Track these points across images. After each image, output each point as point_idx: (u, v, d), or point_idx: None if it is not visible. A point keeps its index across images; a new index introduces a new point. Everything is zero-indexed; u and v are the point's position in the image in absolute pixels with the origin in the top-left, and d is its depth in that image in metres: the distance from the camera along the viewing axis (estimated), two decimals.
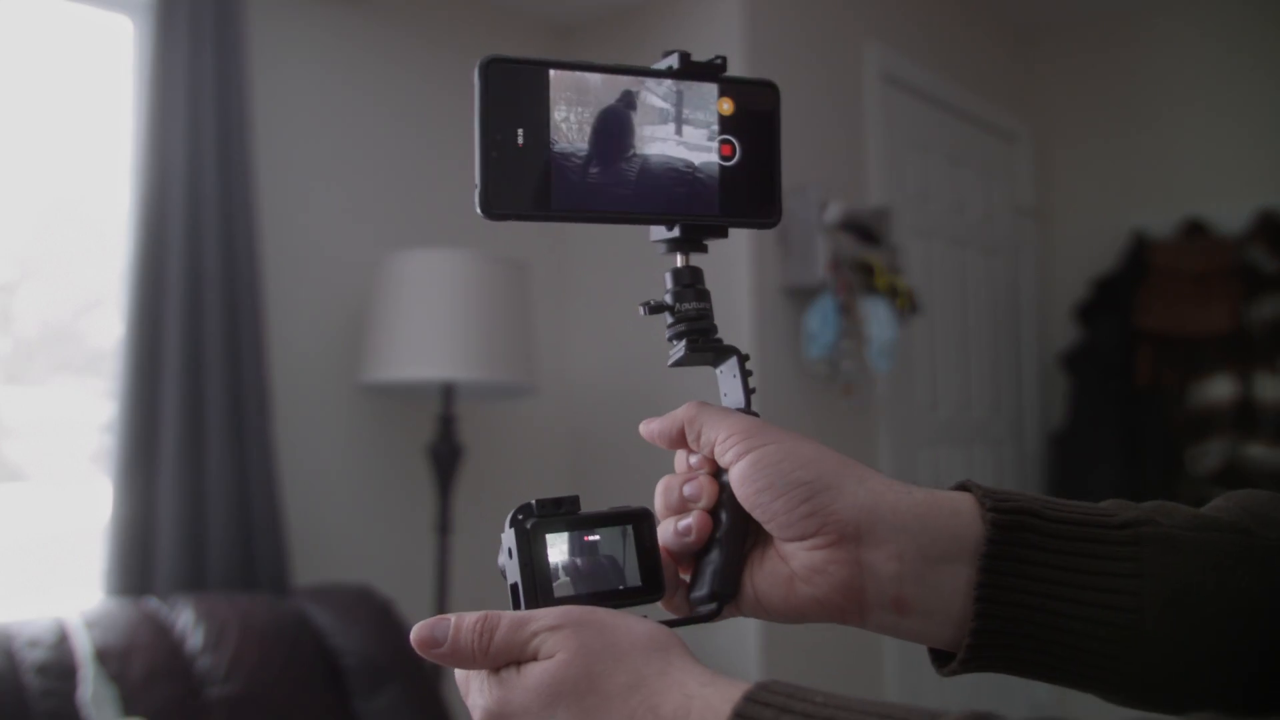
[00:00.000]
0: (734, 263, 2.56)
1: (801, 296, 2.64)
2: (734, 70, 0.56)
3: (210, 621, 1.88)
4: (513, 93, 0.50)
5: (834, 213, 2.56)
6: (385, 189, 2.60)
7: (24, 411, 2.32)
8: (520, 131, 0.50)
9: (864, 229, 2.72)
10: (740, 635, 2.50)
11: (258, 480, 2.17)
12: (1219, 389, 3.12)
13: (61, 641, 1.75)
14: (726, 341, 0.56)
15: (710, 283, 0.57)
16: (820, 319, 2.56)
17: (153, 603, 1.95)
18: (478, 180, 0.49)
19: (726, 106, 0.55)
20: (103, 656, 1.74)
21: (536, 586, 0.49)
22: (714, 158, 0.54)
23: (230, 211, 2.17)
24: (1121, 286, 3.33)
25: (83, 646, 1.74)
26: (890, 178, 3.02)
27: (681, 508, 0.53)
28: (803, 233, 2.58)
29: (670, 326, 0.55)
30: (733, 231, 0.57)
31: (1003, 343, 3.56)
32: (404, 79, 2.69)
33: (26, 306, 2.40)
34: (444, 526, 2.37)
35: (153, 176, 2.09)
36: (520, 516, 0.51)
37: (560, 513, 0.51)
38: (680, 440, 0.55)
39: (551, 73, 0.51)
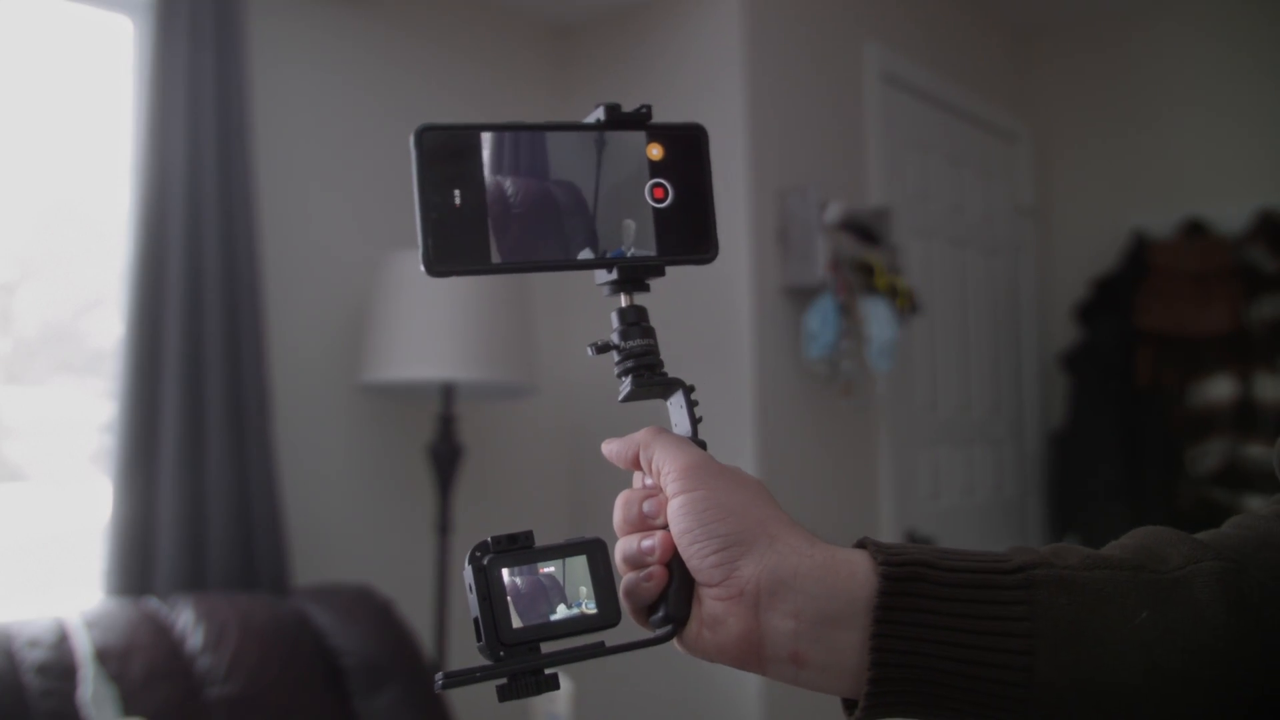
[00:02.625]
0: (734, 263, 2.56)
1: (801, 296, 2.64)
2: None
3: (210, 621, 1.89)
4: (447, 156, 0.53)
5: (834, 213, 2.56)
6: (386, 189, 2.60)
7: (24, 411, 2.32)
8: (456, 192, 0.53)
9: (864, 229, 2.72)
10: None
11: (258, 480, 2.17)
12: (1219, 389, 3.12)
13: (61, 641, 1.75)
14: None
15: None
16: (820, 319, 2.56)
17: (153, 603, 1.95)
18: (419, 241, 0.52)
19: (656, 152, 0.58)
20: (103, 656, 1.74)
21: (495, 619, 0.51)
22: (648, 201, 0.57)
23: (230, 211, 2.17)
24: (1121, 286, 3.33)
25: (83, 646, 1.74)
26: (890, 178, 3.01)
27: (642, 524, 0.56)
28: (803, 233, 2.58)
29: (618, 364, 0.59)
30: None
31: (1003, 343, 3.56)
32: (404, 79, 2.69)
33: (26, 306, 2.40)
34: (444, 526, 2.37)
35: (153, 176, 2.09)
36: (478, 554, 0.53)
37: (515, 548, 0.53)
38: (636, 462, 0.58)
39: (484, 135, 0.54)
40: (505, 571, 0.52)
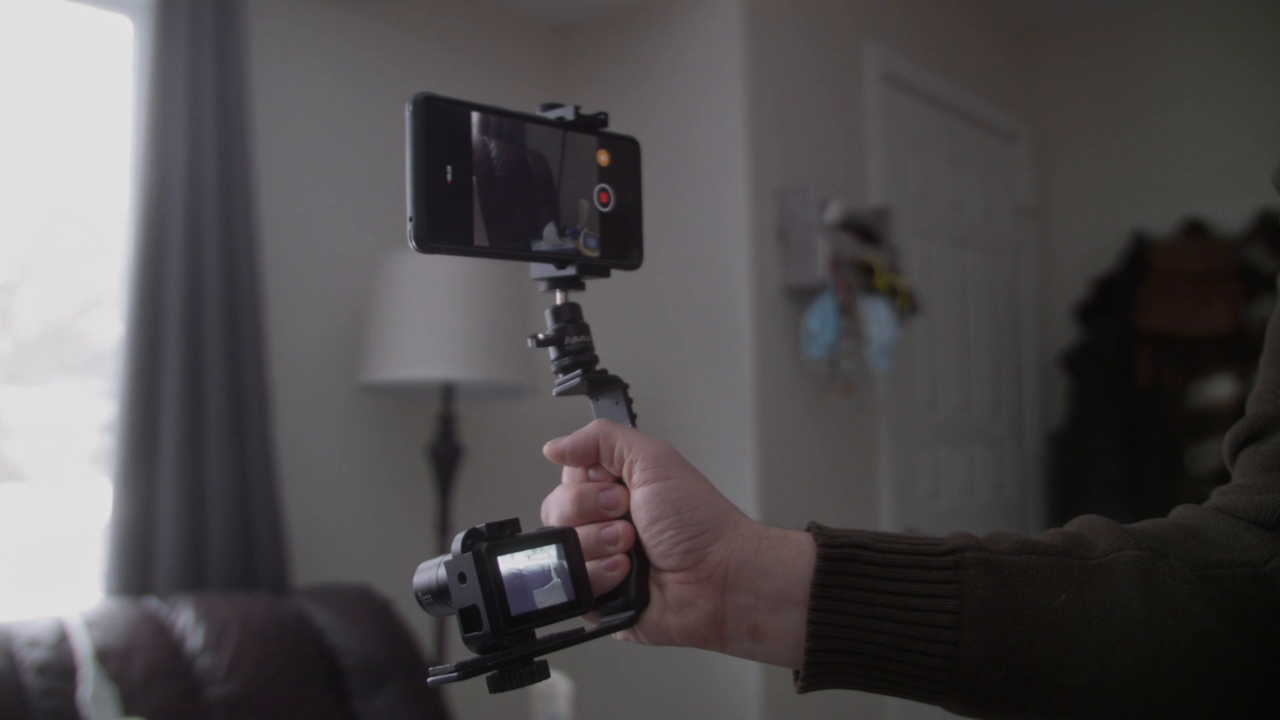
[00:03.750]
0: (734, 263, 2.56)
1: (801, 296, 2.64)
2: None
3: (210, 621, 1.89)
4: (442, 130, 0.53)
5: (834, 213, 2.56)
6: (385, 189, 2.60)
7: (24, 411, 2.32)
8: (449, 168, 0.53)
9: (864, 229, 2.72)
10: None
11: (258, 480, 2.17)
12: (1219, 389, 3.12)
13: (61, 641, 1.75)
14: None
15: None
16: (820, 319, 2.56)
17: (153, 603, 1.95)
18: (411, 214, 0.52)
19: (604, 158, 0.60)
20: (103, 656, 1.74)
21: (498, 606, 0.52)
22: (595, 204, 0.60)
23: (230, 211, 2.17)
24: (1121, 286, 3.33)
25: (83, 646, 1.74)
26: (890, 178, 3.01)
27: (598, 516, 0.57)
28: (803, 233, 2.58)
29: (556, 360, 0.61)
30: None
31: (1003, 343, 3.56)
32: (404, 79, 2.69)
33: (26, 306, 2.40)
34: (444, 526, 2.37)
35: (153, 176, 2.09)
36: (472, 541, 0.53)
37: (504, 535, 0.54)
38: (592, 457, 0.58)
39: (474, 115, 0.55)
40: (502, 559, 0.53)
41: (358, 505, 2.52)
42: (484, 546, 0.53)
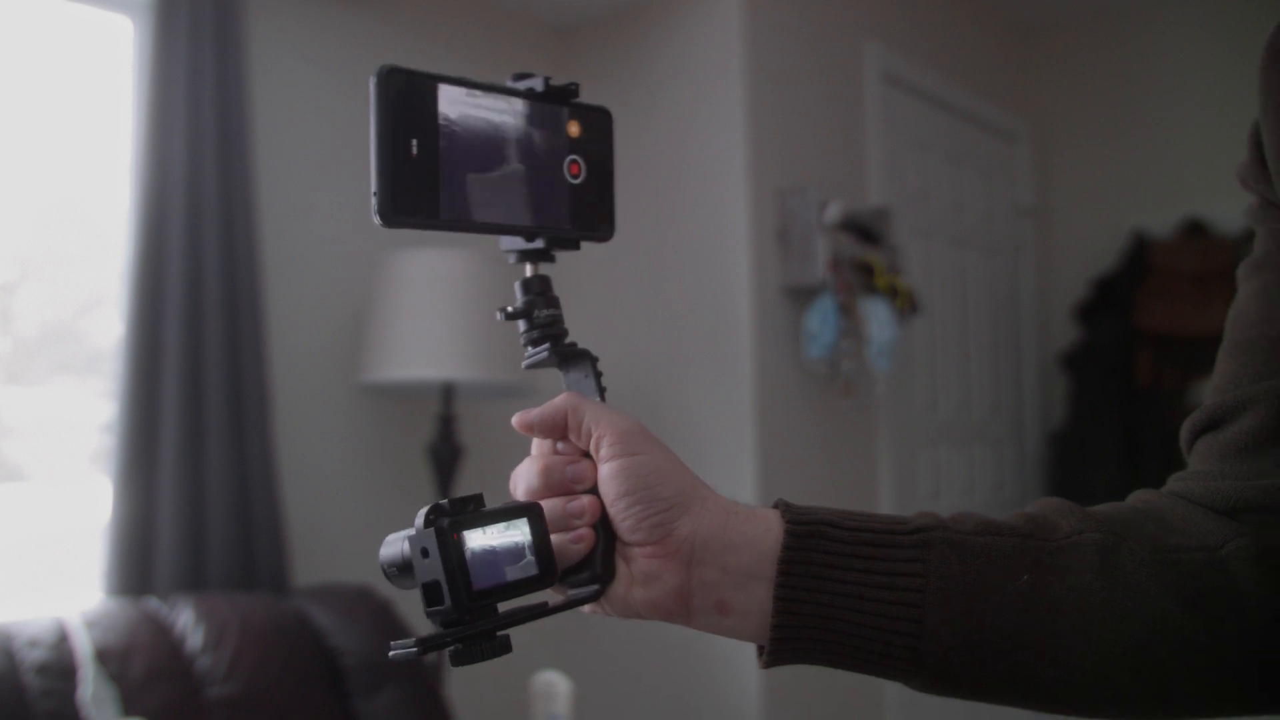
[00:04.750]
0: (734, 263, 2.56)
1: (801, 296, 2.64)
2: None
3: (210, 621, 1.89)
4: (408, 103, 0.52)
5: (834, 213, 2.56)
6: None
7: (24, 411, 2.32)
8: (414, 141, 0.52)
9: (864, 229, 2.72)
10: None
11: (258, 480, 2.17)
12: None
13: (61, 641, 1.75)
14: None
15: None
16: (820, 319, 2.56)
17: (153, 603, 1.95)
18: (375, 188, 0.51)
19: (574, 129, 0.60)
20: (103, 656, 1.74)
21: (459, 581, 0.52)
22: (565, 176, 0.59)
23: (230, 212, 2.17)
24: (1121, 286, 3.33)
25: (83, 646, 1.74)
26: (890, 178, 3.01)
27: (564, 489, 0.57)
28: (803, 233, 2.58)
29: (525, 332, 0.60)
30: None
31: (1003, 343, 3.56)
32: None
33: (26, 306, 2.40)
34: None
35: (153, 176, 2.09)
36: (434, 516, 0.53)
37: (468, 510, 0.54)
38: (560, 430, 0.58)
39: (440, 87, 0.53)
40: (465, 534, 0.53)
41: (358, 505, 2.52)
42: (446, 522, 0.53)
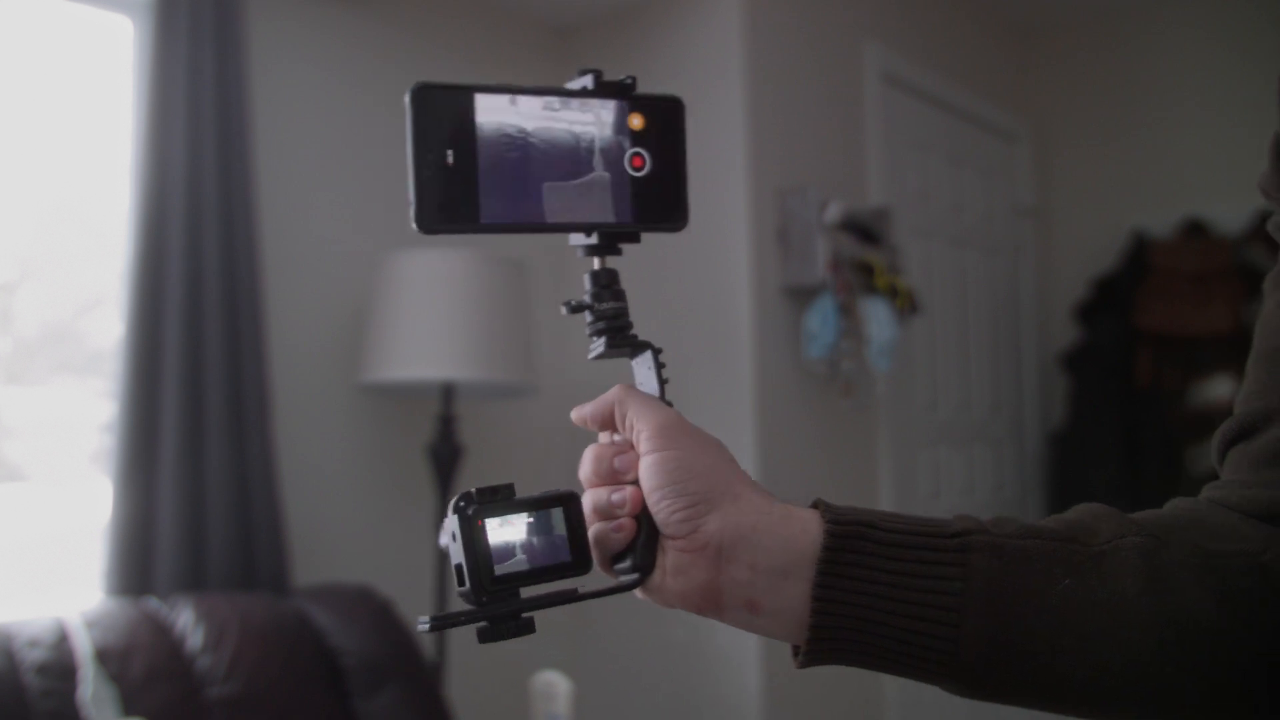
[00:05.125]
0: (734, 263, 2.56)
1: (801, 296, 2.64)
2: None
3: (210, 621, 1.89)
4: (441, 116, 0.54)
5: (834, 213, 2.56)
6: (385, 189, 2.60)
7: (24, 411, 2.32)
8: (449, 152, 0.54)
9: (864, 229, 2.72)
10: (740, 634, 2.50)
11: (258, 480, 2.17)
12: (1219, 389, 3.12)
13: (61, 641, 1.75)
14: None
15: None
16: (820, 319, 2.56)
17: (153, 603, 1.95)
18: (411, 199, 0.54)
19: (637, 122, 0.60)
20: (103, 656, 1.74)
21: (479, 565, 0.55)
22: (627, 169, 0.59)
23: (230, 212, 2.17)
24: (1121, 286, 3.33)
25: (83, 646, 1.74)
26: (890, 178, 3.01)
27: (612, 478, 0.59)
28: (803, 233, 2.58)
29: (590, 325, 0.61)
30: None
31: (1003, 343, 3.56)
32: (404, 79, 2.67)
33: (26, 306, 2.40)
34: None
35: (153, 176, 2.09)
36: (462, 504, 0.56)
37: (497, 499, 0.57)
38: (610, 422, 0.61)
39: (477, 96, 0.55)
40: (488, 521, 0.56)
41: (358, 505, 2.52)
42: (472, 509, 0.56)
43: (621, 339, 0.61)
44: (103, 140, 2.27)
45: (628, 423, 0.59)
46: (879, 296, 2.66)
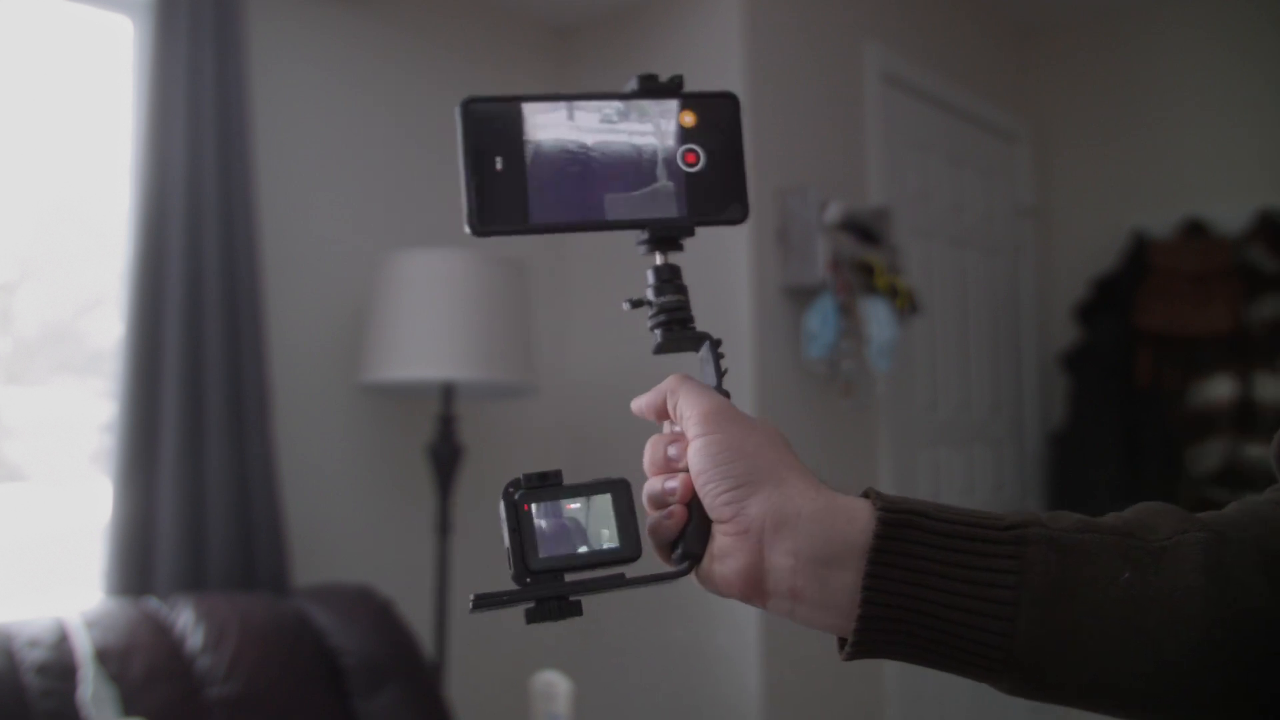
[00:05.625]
0: (734, 263, 2.56)
1: (801, 296, 2.64)
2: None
3: (210, 621, 1.89)
4: (490, 126, 0.58)
5: (834, 213, 2.56)
6: (385, 189, 2.60)
7: (24, 411, 2.32)
8: (498, 159, 0.57)
9: (864, 229, 2.72)
10: (740, 633, 2.50)
11: (258, 480, 2.17)
12: (1219, 389, 3.12)
13: (61, 641, 1.75)
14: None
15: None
16: (820, 319, 2.56)
17: (153, 603, 1.95)
18: (464, 203, 0.57)
19: (689, 119, 0.62)
20: (103, 656, 1.74)
21: (524, 550, 0.56)
22: (680, 165, 0.61)
23: (230, 212, 2.17)
24: (1121, 286, 3.33)
25: (83, 646, 1.74)
26: (890, 178, 3.01)
27: (666, 466, 0.59)
28: (803, 233, 2.58)
29: (652, 318, 0.62)
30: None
31: (1003, 343, 3.56)
32: (404, 79, 2.69)
33: (26, 306, 2.40)
34: (444, 526, 2.37)
35: (153, 176, 2.09)
36: (510, 489, 0.57)
37: (545, 485, 0.58)
38: (663, 411, 0.61)
39: (524, 106, 0.59)
40: (534, 506, 0.57)
41: (358, 505, 2.52)
42: (518, 494, 0.57)
43: (681, 331, 0.62)
44: (103, 140, 2.27)
45: (679, 411, 0.60)
46: (879, 296, 2.66)
